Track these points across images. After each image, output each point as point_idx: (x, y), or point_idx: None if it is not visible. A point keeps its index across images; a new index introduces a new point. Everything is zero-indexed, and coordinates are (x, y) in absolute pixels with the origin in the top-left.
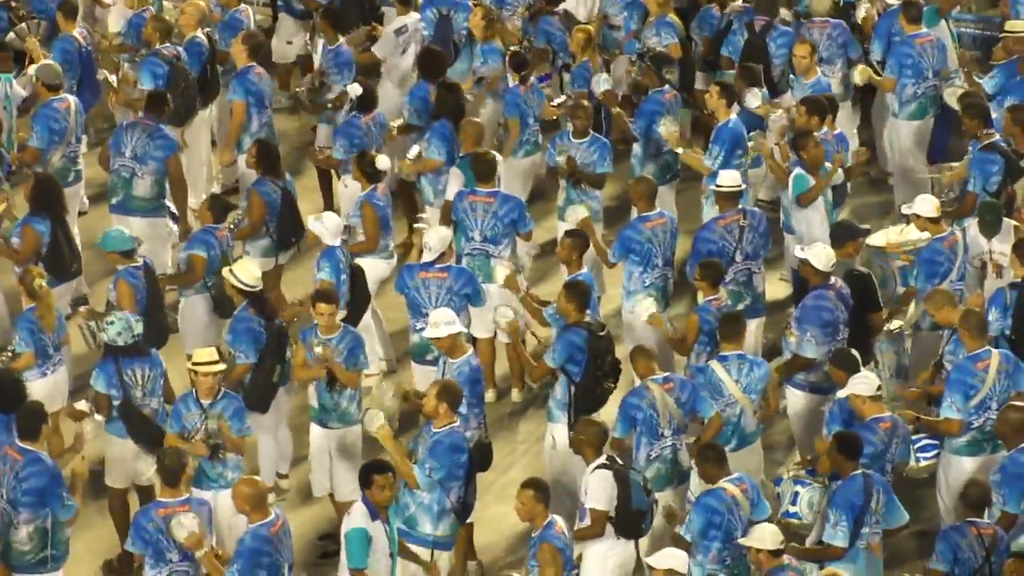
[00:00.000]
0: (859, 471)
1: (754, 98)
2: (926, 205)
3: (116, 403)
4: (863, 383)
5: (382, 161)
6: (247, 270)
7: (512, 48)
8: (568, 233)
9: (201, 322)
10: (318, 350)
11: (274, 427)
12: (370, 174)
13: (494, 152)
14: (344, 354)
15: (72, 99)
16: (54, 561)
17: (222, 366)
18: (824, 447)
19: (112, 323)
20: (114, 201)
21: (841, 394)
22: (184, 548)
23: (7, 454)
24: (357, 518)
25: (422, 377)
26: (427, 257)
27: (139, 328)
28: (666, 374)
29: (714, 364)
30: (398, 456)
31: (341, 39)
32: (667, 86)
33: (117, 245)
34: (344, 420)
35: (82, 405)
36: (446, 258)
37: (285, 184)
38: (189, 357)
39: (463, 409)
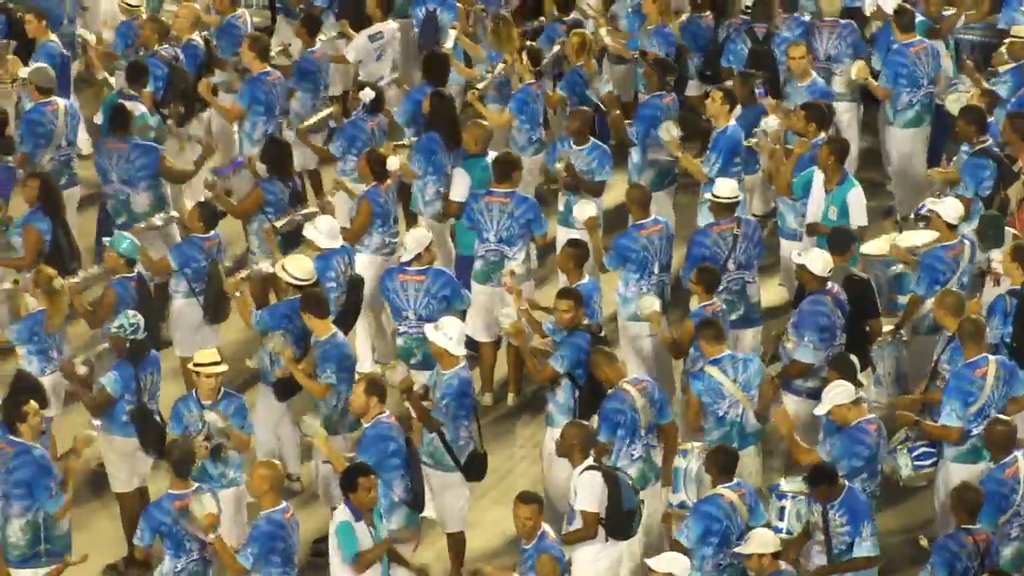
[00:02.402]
0: (845, 483)
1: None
2: (951, 211)
3: (129, 407)
4: (840, 392)
5: (392, 162)
6: (299, 264)
7: (529, 43)
8: (569, 243)
9: (191, 327)
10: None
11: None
12: (379, 173)
13: (516, 154)
14: (317, 361)
15: (62, 102)
16: (48, 556)
17: (224, 367)
18: (804, 458)
19: (135, 316)
20: (120, 222)
21: (819, 411)
22: (200, 528)
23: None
24: (341, 516)
25: None
26: (404, 258)
27: None
28: (635, 375)
29: (709, 368)
30: (333, 460)
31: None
32: (666, 91)
33: (130, 251)
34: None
35: (81, 369)
36: (424, 260)
37: (295, 185)
38: (183, 360)
39: (450, 422)
